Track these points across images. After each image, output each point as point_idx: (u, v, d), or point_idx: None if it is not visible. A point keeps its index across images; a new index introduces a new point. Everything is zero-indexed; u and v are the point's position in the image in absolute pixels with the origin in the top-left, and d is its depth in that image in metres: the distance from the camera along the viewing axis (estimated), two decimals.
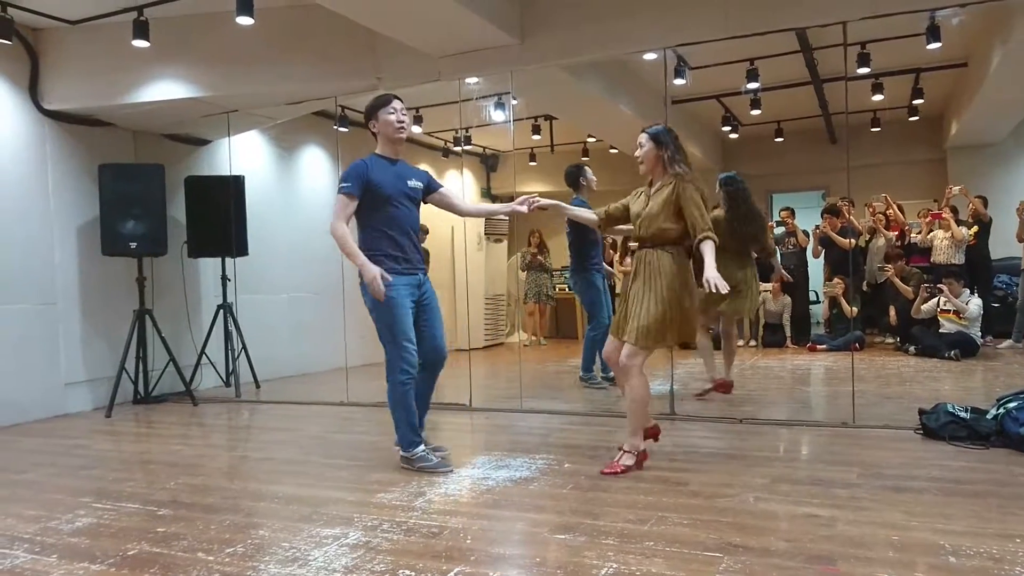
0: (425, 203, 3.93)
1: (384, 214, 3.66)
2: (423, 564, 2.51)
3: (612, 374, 6.12)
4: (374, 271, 3.53)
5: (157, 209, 6.02)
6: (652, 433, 3.79)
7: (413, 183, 3.80)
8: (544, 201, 3.92)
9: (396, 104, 3.75)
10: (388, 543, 2.72)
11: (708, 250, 3.44)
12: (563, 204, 4.17)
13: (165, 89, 5.74)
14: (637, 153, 3.74)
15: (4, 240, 5.50)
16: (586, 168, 6.16)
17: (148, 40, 5.27)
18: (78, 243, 6.04)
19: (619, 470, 3.54)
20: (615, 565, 2.45)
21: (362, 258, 3.57)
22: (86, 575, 2.53)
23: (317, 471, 3.90)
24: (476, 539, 2.75)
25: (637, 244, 3.76)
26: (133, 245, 5.92)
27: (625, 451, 3.62)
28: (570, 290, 9.32)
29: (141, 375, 6.20)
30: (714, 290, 3.30)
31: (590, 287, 6.07)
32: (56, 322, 5.85)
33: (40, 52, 5.80)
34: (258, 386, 6.87)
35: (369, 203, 3.66)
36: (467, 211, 4.20)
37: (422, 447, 3.74)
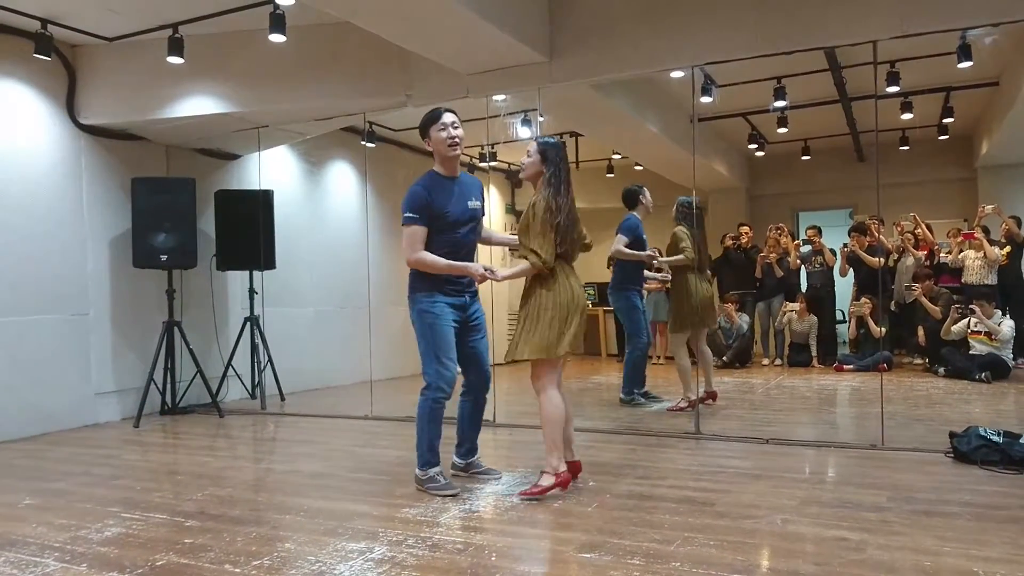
0: None
1: (445, 238, 3.58)
2: None
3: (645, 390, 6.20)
4: (475, 266, 3.55)
5: (188, 222, 6.11)
6: (573, 469, 3.63)
7: (474, 203, 3.72)
8: (499, 274, 3.64)
9: (447, 118, 3.62)
10: (413, 559, 2.72)
11: (519, 267, 3.52)
12: (505, 272, 3.78)
13: (197, 104, 5.84)
14: (523, 160, 3.65)
15: (39, 251, 5.61)
16: (645, 189, 6.20)
17: (182, 57, 5.38)
18: (110, 255, 6.14)
19: (535, 492, 3.46)
20: None
21: (459, 264, 3.54)
22: None
23: (342, 485, 3.92)
24: (501, 556, 2.74)
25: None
26: (164, 258, 6.01)
27: (543, 472, 3.53)
28: (594, 305, 9.34)
29: (169, 386, 6.27)
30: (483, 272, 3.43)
31: (633, 308, 6.09)
32: (88, 333, 5.94)
33: (77, 68, 5.93)
34: (283, 399, 6.92)
35: (432, 228, 3.56)
36: (444, 269, 3.75)
37: (436, 468, 3.65)
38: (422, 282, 3.61)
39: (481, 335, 3.80)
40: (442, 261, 3.53)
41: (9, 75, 5.47)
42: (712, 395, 6.01)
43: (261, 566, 2.69)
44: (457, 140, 3.63)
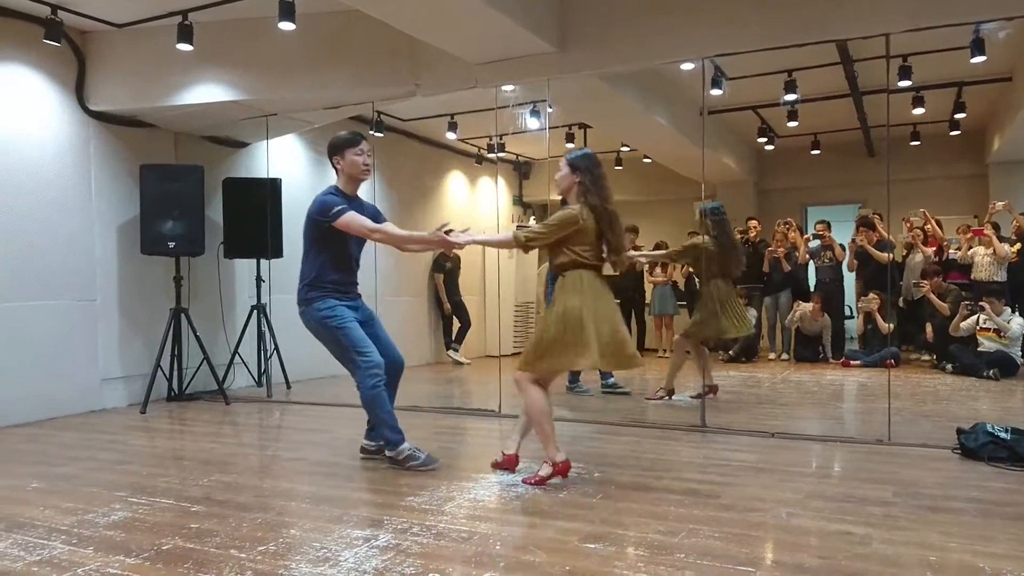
0: None
1: (339, 248, 3.86)
2: (453, 568, 2.52)
3: (611, 380, 6.38)
4: (438, 235, 3.79)
5: (195, 210, 6.12)
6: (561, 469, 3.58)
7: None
8: (463, 238, 3.83)
9: (364, 146, 3.89)
10: (418, 546, 2.73)
11: (501, 235, 3.73)
12: (481, 236, 4.04)
13: (206, 92, 5.84)
14: (556, 176, 3.72)
15: (48, 237, 5.62)
16: None
17: (192, 44, 5.37)
18: (118, 241, 6.15)
19: (533, 481, 3.53)
20: None
21: (418, 234, 3.87)
22: (121, 568, 2.57)
23: (347, 472, 3.93)
24: (505, 545, 2.75)
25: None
26: (171, 245, 6.03)
27: (544, 462, 3.59)
28: None
29: (175, 373, 6.30)
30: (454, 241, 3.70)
31: None
32: (95, 319, 5.97)
33: (87, 54, 5.93)
34: (289, 387, 6.94)
35: (331, 236, 3.82)
36: (405, 240, 4.21)
37: (407, 444, 3.83)
38: (315, 291, 3.85)
39: (379, 327, 4.05)
40: (397, 231, 3.90)
41: (19, 61, 5.48)
42: (713, 389, 6.04)
43: (266, 552, 2.70)
44: (369, 168, 3.94)
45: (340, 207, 3.77)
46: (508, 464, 3.76)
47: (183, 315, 6.16)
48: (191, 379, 6.42)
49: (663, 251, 6.27)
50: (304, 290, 3.91)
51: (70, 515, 3.17)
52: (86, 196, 5.94)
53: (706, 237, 5.71)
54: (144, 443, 4.88)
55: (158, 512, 3.21)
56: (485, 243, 3.75)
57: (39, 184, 5.59)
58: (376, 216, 4.03)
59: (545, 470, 3.56)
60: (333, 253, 3.88)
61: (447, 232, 3.84)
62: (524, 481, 3.55)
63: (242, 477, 3.81)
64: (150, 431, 5.27)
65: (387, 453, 3.89)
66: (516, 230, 3.65)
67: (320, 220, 3.80)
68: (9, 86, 5.43)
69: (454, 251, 3.76)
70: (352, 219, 3.77)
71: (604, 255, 3.66)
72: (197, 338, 6.18)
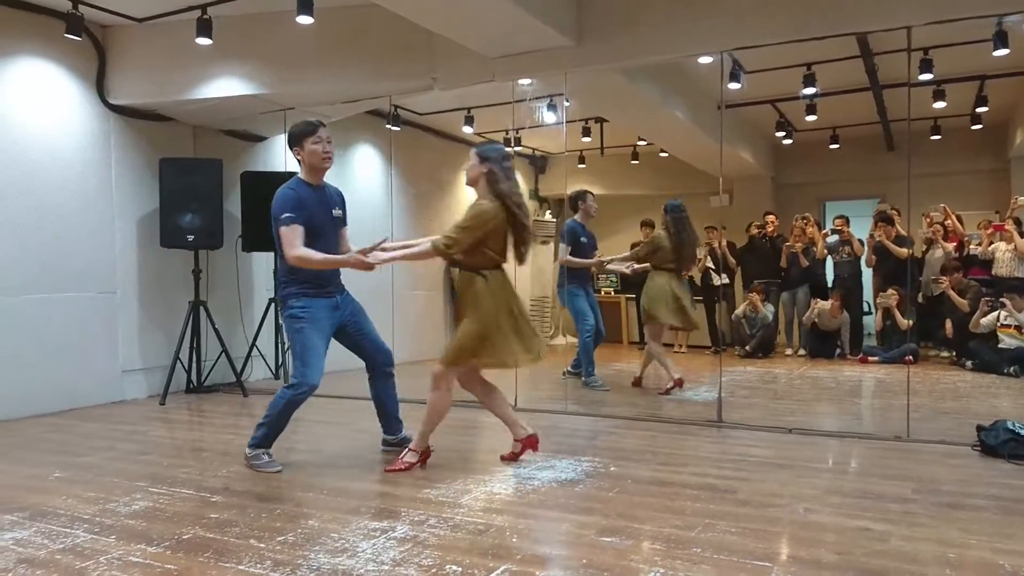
0: None
1: (311, 243, 3.69)
2: (470, 560, 2.53)
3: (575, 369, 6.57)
4: (350, 256, 3.66)
5: (214, 203, 6.16)
6: (425, 456, 3.85)
7: (337, 211, 3.91)
8: (384, 255, 3.71)
9: (322, 133, 3.78)
10: (435, 538, 2.74)
11: (418, 247, 3.70)
12: (400, 252, 3.82)
13: (225, 86, 5.87)
14: (465, 167, 3.77)
15: (69, 229, 5.68)
16: (588, 195, 6.49)
17: (211, 38, 5.40)
18: (138, 235, 6.21)
19: (402, 467, 3.72)
20: (662, 570, 2.43)
21: (340, 258, 3.71)
22: (143, 556, 2.60)
23: (365, 465, 3.95)
24: (522, 538, 2.76)
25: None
26: (190, 238, 6.08)
27: (410, 448, 3.80)
28: (616, 293, 9.34)
29: (194, 365, 6.35)
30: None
31: (573, 299, 6.43)
32: (115, 311, 6.03)
33: (107, 48, 5.98)
34: None
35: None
36: (321, 264, 3.90)
37: (264, 450, 3.83)
38: (294, 287, 3.76)
39: (366, 319, 4.01)
40: (318, 256, 3.65)
41: (41, 55, 5.53)
42: (638, 381, 6.40)
43: (285, 542, 2.72)
44: (330, 154, 3.82)
45: (288, 215, 3.62)
46: (529, 444, 3.87)
47: (202, 308, 6.21)
48: (210, 371, 6.48)
49: (628, 254, 6.51)
50: (281, 287, 3.86)
51: (92, 504, 3.22)
52: (107, 189, 6.00)
53: (663, 232, 6.13)
54: (164, 434, 4.93)
55: (178, 502, 3.25)
56: (404, 259, 3.72)
57: (61, 178, 5.65)
58: (342, 204, 3.99)
59: (410, 456, 3.77)
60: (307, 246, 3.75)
61: (382, 248, 3.71)
62: (387, 470, 3.71)
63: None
64: (169, 422, 5.32)
65: (247, 447, 3.88)
66: (434, 238, 3.61)
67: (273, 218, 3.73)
68: (31, 80, 5.48)
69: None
70: (286, 236, 3.62)
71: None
72: (215, 330, 6.23)
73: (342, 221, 3.97)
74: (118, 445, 4.46)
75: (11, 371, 5.27)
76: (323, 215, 3.81)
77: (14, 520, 3.01)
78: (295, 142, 3.80)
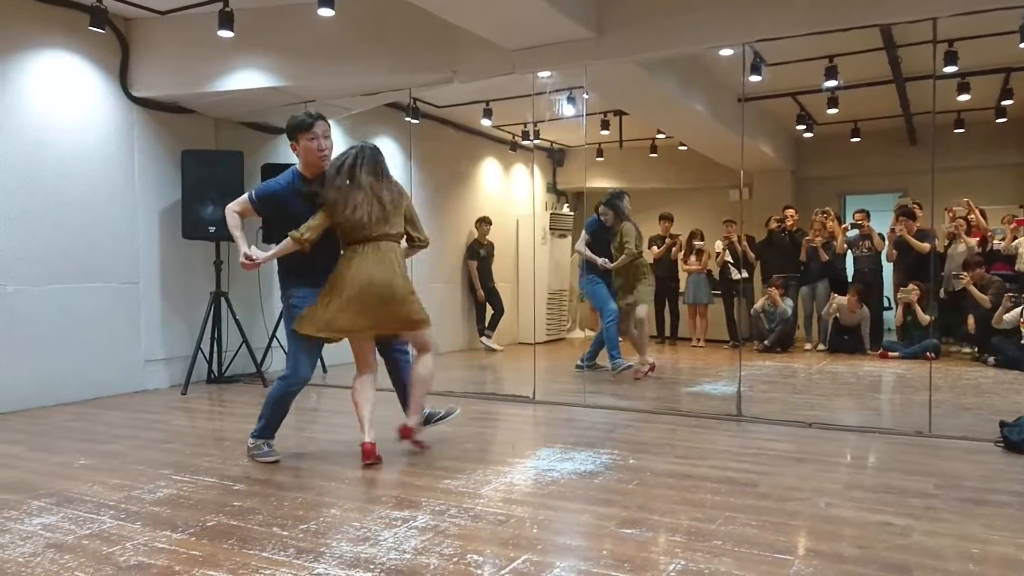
0: None
1: (287, 232, 3.69)
2: (491, 550, 2.54)
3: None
4: (242, 249, 3.69)
5: (235, 195, 6.10)
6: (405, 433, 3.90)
7: None
8: (257, 254, 3.76)
9: (318, 129, 3.72)
10: (456, 528, 2.76)
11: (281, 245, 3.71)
12: (270, 252, 3.87)
13: (246, 78, 5.91)
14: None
15: (93, 220, 5.75)
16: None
17: (232, 30, 5.42)
18: (160, 226, 6.27)
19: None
20: (683, 562, 2.44)
21: (238, 233, 3.76)
22: (169, 543, 2.64)
23: (384, 455, 3.96)
24: (542, 528, 2.77)
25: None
26: (212, 229, 6.12)
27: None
28: None
29: (215, 355, 6.41)
30: None
31: (593, 288, 6.73)
32: (138, 301, 6.09)
33: (130, 41, 6.03)
34: (325, 370, 7.01)
35: (278, 220, 3.78)
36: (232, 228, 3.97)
37: (264, 441, 3.87)
38: (294, 277, 3.81)
39: None
40: (233, 220, 3.79)
41: (66, 47, 5.59)
42: (651, 367, 6.70)
43: (308, 530, 2.75)
44: (326, 154, 3.76)
45: (249, 194, 3.81)
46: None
47: (223, 299, 6.27)
48: (230, 362, 6.54)
49: (623, 256, 6.61)
50: (281, 277, 3.91)
51: (117, 491, 3.26)
52: (129, 181, 6.05)
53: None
54: (185, 423, 4.99)
55: (201, 490, 3.28)
56: (273, 256, 3.75)
57: (86, 169, 5.71)
58: None
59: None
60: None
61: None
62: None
63: (281, 458, 3.87)
64: (191, 412, 5.38)
65: (249, 438, 3.93)
66: (292, 232, 3.66)
67: None
68: (56, 73, 5.54)
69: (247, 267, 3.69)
70: (240, 200, 3.84)
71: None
72: (236, 321, 6.28)
73: None
74: (141, 434, 4.52)
75: (36, 360, 5.34)
76: (303, 208, 3.75)
77: (42, 506, 3.06)
78: (291, 135, 3.77)
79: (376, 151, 3.85)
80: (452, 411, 4.26)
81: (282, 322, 6.66)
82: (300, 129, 3.72)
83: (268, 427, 3.90)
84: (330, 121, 3.91)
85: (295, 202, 3.76)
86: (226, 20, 5.36)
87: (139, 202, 6.12)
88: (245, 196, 3.83)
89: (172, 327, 6.34)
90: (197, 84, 6.01)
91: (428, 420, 4.08)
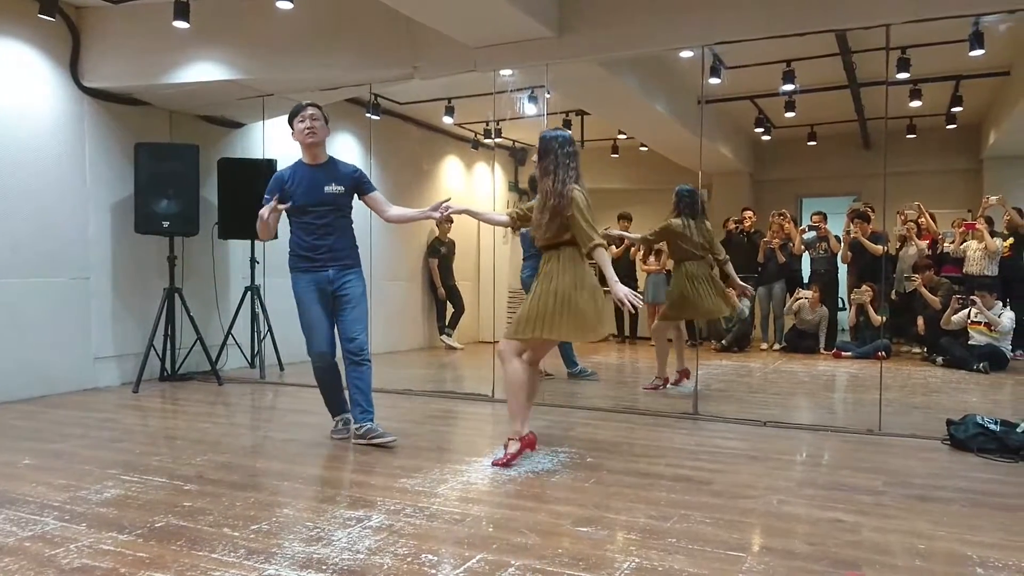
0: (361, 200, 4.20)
1: (298, 219, 4.00)
2: (445, 549, 2.53)
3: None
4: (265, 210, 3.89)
5: (190, 189, 6.08)
6: (528, 442, 3.71)
7: (331, 188, 4.00)
8: (457, 207, 4.12)
9: (306, 112, 3.95)
10: (411, 527, 2.74)
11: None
12: (475, 210, 4.31)
13: (203, 71, 5.79)
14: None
15: (42, 214, 5.59)
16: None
17: (188, 21, 5.32)
18: (112, 220, 6.12)
19: (506, 460, 3.58)
20: (637, 560, 2.45)
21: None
22: (114, 544, 2.57)
23: (340, 454, 3.93)
24: (498, 527, 2.76)
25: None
26: (166, 224, 6.00)
27: (509, 439, 3.67)
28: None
29: (168, 353, 6.28)
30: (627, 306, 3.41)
31: None
32: (88, 297, 5.94)
33: (82, 30, 5.87)
34: (282, 368, 6.93)
35: (289, 208, 3.98)
36: (392, 217, 4.27)
37: (336, 418, 4.19)
38: (292, 260, 4.06)
39: (350, 306, 4.03)
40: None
41: (13, 35, 5.42)
42: (685, 373, 6.09)
43: (259, 530, 2.70)
44: (312, 129, 3.94)
45: (265, 197, 3.94)
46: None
47: (176, 295, 6.14)
48: (184, 359, 6.41)
49: (639, 235, 6.32)
50: (289, 261, 4.12)
51: (62, 491, 3.17)
52: (80, 174, 5.90)
53: (679, 220, 5.81)
54: (137, 422, 4.88)
55: (151, 490, 3.21)
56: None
57: (33, 160, 5.55)
58: (346, 179, 4.07)
59: (513, 447, 3.63)
60: (296, 224, 4.04)
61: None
62: (495, 463, 3.58)
63: (234, 457, 3.81)
64: (143, 410, 5.26)
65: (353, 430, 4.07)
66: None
67: None
68: (3, 62, 5.37)
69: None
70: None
71: None
72: (190, 318, 6.16)
73: (344, 196, 4.06)
74: (90, 432, 4.40)
75: None
76: (310, 191, 3.95)
77: None
78: (289, 125, 4.03)
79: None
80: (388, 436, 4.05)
81: (256, 319, 6.66)
82: (293, 115, 4.00)
83: (329, 406, 4.22)
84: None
85: (300, 186, 3.98)
86: (181, 11, 5.26)
87: (90, 195, 5.96)
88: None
89: (124, 323, 6.19)
90: (151, 76, 5.88)
91: (366, 436, 4.03)
